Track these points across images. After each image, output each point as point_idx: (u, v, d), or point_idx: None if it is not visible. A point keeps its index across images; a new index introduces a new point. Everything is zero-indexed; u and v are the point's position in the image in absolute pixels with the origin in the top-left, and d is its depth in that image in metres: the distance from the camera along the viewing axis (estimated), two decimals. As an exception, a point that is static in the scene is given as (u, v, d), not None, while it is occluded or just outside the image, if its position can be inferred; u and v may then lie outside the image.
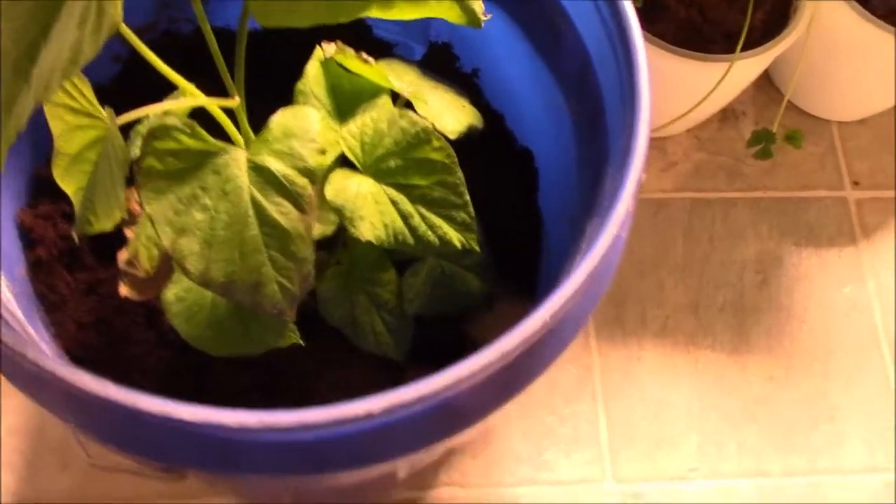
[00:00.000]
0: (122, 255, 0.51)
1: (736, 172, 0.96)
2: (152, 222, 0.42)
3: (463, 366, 0.41)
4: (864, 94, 0.96)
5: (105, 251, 0.61)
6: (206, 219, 0.41)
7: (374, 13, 0.38)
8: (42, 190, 0.62)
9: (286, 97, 0.54)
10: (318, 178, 0.42)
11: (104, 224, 0.44)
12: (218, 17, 0.60)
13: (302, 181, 0.41)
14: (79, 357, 0.60)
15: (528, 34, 0.62)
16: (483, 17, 0.41)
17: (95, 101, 0.44)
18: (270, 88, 0.56)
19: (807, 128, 0.99)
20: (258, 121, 0.45)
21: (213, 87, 0.45)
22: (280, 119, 0.43)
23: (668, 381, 0.86)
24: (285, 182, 0.41)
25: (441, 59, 0.72)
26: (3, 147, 0.31)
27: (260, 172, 0.42)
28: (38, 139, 0.62)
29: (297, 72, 0.54)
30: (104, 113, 0.44)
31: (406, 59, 0.63)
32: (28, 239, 0.60)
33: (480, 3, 0.41)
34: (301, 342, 0.49)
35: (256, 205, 0.41)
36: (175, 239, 0.41)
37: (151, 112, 0.42)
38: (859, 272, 0.93)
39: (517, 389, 0.50)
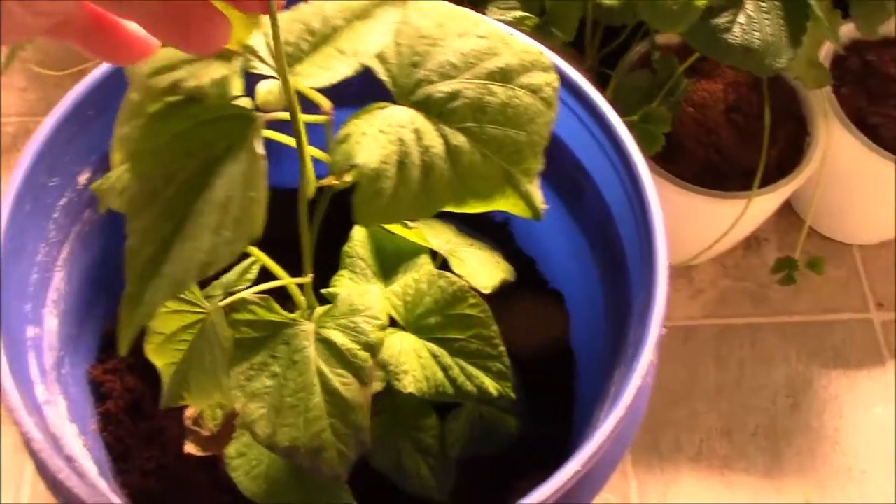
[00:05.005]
0: (188, 413, 0.55)
1: (761, 298, 1.00)
2: (225, 385, 0.46)
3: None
4: (882, 219, 1.00)
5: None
6: (274, 385, 0.46)
7: (449, 208, 0.43)
8: (111, 344, 0.67)
9: (332, 252, 0.58)
10: (377, 351, 0.46)
11: (197, 402, 0.48)
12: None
13: (364, 355, 0.46)
14: None
15: (554, 189, 0.67)
16: (542, 207, 0.45)
17: (198, 291, 0.48)
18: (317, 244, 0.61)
19: (829, 252, 1.02)
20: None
21: (271, 249, 0.49)
22: (346, 296, 0.48)
23: (705, 506, 0.88)
24: (348, 355, 0.46)
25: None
26: (127, 335, 0.35)
27: (326, 345, 0.46)
28: (111, 301, 0.68)
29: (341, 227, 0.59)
30: (208, 305, 0.48)
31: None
32: (98, 393, 0.65)
33: (540, 194, 0.45)
34: (354, 502, 0.53)
35: (321, 375, 0.45)
36: (245, 403, 0.46)
37: (248, 295, 0.47)
38: (889, 392, 0.95)
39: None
